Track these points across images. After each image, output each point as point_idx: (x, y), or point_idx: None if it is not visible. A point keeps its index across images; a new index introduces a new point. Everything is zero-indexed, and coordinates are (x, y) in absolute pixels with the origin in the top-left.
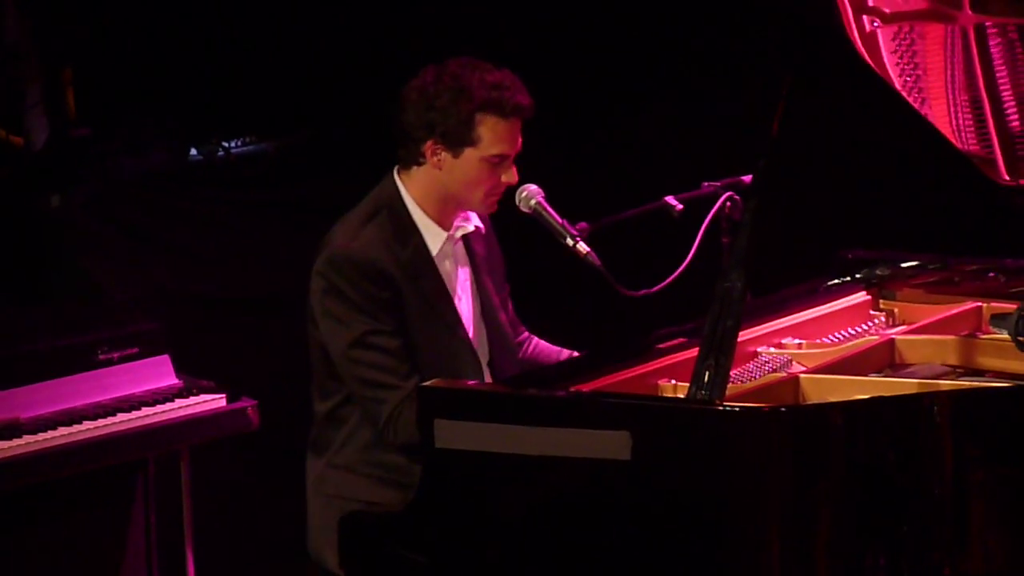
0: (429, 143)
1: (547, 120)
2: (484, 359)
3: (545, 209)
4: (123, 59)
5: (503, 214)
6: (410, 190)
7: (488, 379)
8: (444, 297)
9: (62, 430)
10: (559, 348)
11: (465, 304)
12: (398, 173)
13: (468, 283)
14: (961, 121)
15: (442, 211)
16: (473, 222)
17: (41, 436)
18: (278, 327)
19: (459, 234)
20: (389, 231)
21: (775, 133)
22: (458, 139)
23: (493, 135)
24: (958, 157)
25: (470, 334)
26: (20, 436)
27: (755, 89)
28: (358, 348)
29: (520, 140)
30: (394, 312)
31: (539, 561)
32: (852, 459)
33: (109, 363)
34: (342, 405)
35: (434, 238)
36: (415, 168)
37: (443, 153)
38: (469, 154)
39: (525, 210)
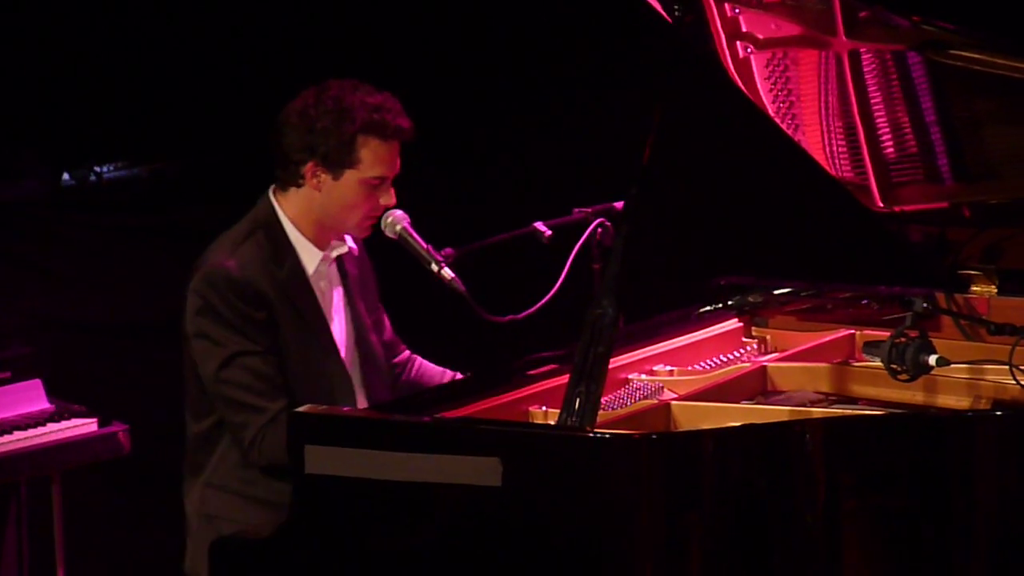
0: (310, 164)
1: (416, 144)
2: (357, 381)
3: (410, 235)
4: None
5: (374, 236)
6: (286, 210)
7: (362, 401)
8: (320, 318)
9: None
10: (442, 369)
11: (338, 325)
12: (274, 193)
13: (342, 304)
14: (835, 148)
15: (318, 232)
16: (347, 243)
17: None
18: (151, 352)
19: (334, 254)
20: (266, 250)
21: (646, 159)
22: (339, 161)
23: (374, 157)
24: (832, 184)
25: (343, 355)
26: None
27: (627, 114)
28: (227, 369)
29: (398, 163)
30: (268, 333)
31: None
32: (724, 487)
33: None
34: (216, 426)
35: (310, 258)
36: (292, 189)
37: (323, 175)
38: (349, 176)
39: (391, 235)
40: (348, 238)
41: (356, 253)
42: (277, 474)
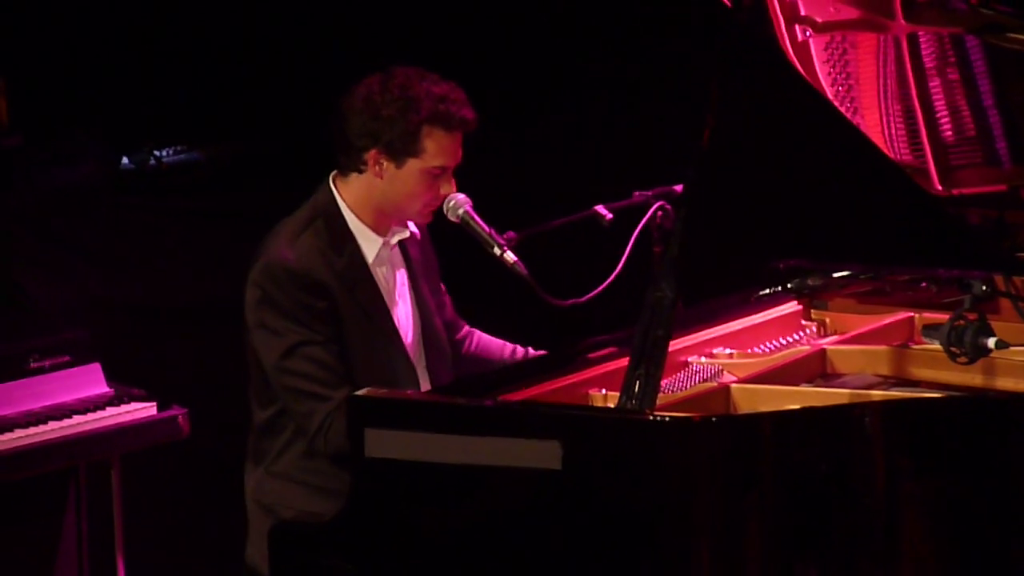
0: (373, 152)
1: (477, 128)
2: (421, 364)
3: (473, 218)
4: (54, 68)
5: (438, 220)
6: (346, 197)
7: (425, 385)
8: (380, 306)
9: None
10: (502, 342)
11: (403, 309)
12: (334, 180)
13: (406, 288)
14: (894, 131)
15: (378, 219)
16: (409, 228)
17: None
18: (210, 336)
19: (395, 240)
20: (325, 239)
21: (706, 143)
22: (402, 150)
23: (437, 147)
24: (891, 167)
25: (408, 338)
26: None
27: (687, 98)
28: (289, 359)
29: (460, 153)
30: (329, 322)
31: (469, 571)
32: (783, 470)
33: (40, 371)
34: (280, 414)
35: (370, 245)
36: (353, 175)
37: (386, 162)
38: (412, 165)
39: (453, 219)
40: (411, 223)
41: (419, 237)
42: (342, 463)
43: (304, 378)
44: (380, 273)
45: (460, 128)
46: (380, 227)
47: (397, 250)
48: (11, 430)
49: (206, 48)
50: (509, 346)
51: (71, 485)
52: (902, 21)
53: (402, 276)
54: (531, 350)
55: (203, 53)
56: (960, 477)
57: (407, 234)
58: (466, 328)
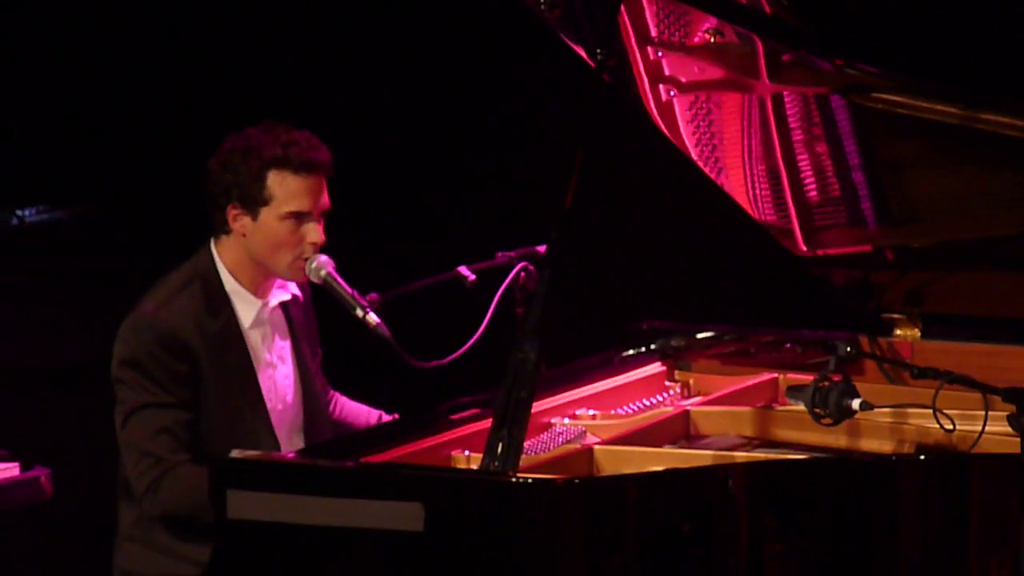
0: (230, 208)
1: (341, 188)
2: (299, 426)
3: (335, 280)
4: None
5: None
6: (225, 260)
7: (300, 445)
8: (248, 372)
9: None
10: (367, 408)
11: (282, 371)
12: (214, 244)
13: (287, 350)
14: (758, 191)
15: (255, 279)
16: (291, 290)
17: None
18: (73, 397)
19: (275, 302)
20: (200, 302)
21: (569, 204)
22: (252, 199)
23: (285, 191)
24: (755, 227)
25: (287, 401)
26: None
27: (550, 158)
28: (134, 416)
29: (324, 199)
30: (188, 385)
31: None
32: (646, 531)
33: None
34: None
35: (247, 307)
36: (224, 237)
37: (243, 217)
38: (265, 214)
39: (316, 280)
40: (292, 285)
41: (302, 299)
42: (174, 524)
43: (145, 437)
44: (255, 336)
45: (305, 170)
46: (259, 289)
47: (279, 312)
48: None
49: (67, 106)
50: (375, 412)
51: None
52: (767, 81)
53: (282, 339)
54: (396, 416)
55: (65, 111)
56: (824, 536)
57: (288, 296)
58: (331, 392)
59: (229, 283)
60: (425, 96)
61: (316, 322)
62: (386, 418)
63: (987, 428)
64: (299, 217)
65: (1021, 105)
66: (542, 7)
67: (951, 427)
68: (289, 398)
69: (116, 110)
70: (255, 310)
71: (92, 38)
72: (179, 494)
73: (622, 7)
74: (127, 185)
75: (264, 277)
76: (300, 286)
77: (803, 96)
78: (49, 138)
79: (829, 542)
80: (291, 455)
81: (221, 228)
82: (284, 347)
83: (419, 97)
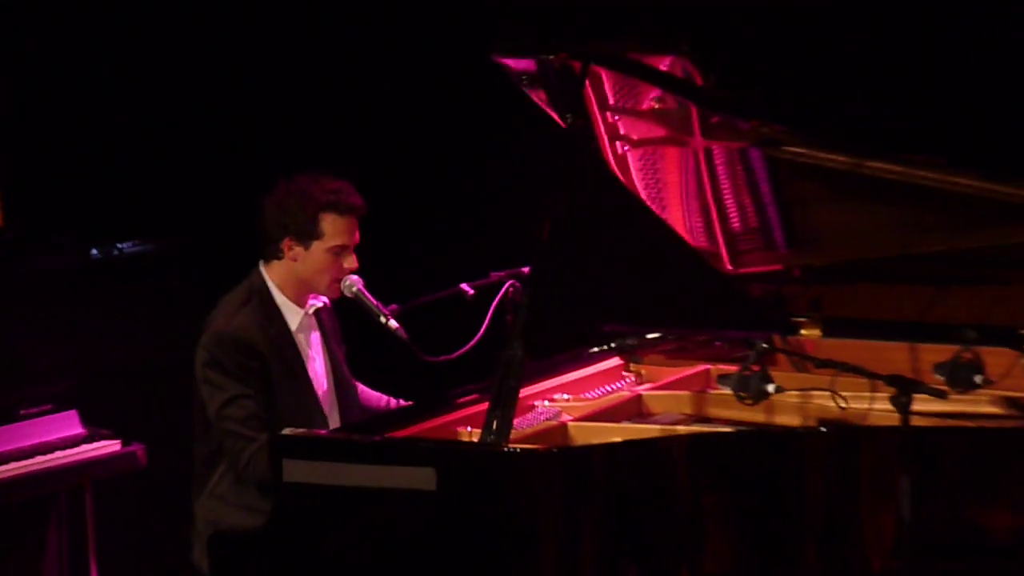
0: (286, 240)
1: (369, 224)
2: (335, 405)
3: (364, 295)
4: (40, 181)
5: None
6: (273, 279)
7: (336, 420)
8: (300, 365)
9: None
10: (379, 394)
11: (319, 363)
12: (263, 266)
13: (320, 347)
14: (693, 223)
15: (298, 294)
16: (321, 300)
17: None
18: (163, 388)
19: (312, 310)
20: (260, 314)
21: (546, 234)
22: (307, 234)
23: (334, 229)
24: (691, 251)
25: (324, 387)
26: None
27: (534, 198)
28: (227, 407)
29: (358, 234)
30: (260, 379)
31: (362, 568)
32: (610, 487)
33: (28, 417)
34: (217, 450)
35: (293, 316)
36: (275, 262)
37: (296, 247)
38: (316, 246)
39: (348, 295)
40: (321, 297)
41: (328, 306)
42: (264, 489)
43: (237, 422)
44: (301, 338)
45: (351, 212)
46: (300, 301)
47: (313, 318)
48: (6, 463)
49: (160, 161)
50: (385, 397)
51: (53, 508)
52: (699, 138)
53: (317, 338)
54: (402, 401)
55: (158, 165)
56: (748, 491)
57: (320, 304)
58: (353, 381)
59: (278, 297)
60: (434, 146)
61: (339, 323)
62: (395, 403)
63: (873, 406)
64: (342, 249)
65: (896, 155)
66: (523, 81)
67: (845, 406)
68: (325, 384)
69: (180, 160)
70: (299, 317)
71: (185, 108)
72: (267, 466)
73: (586, 81)
74: (189, 220)
75: (306, 292)
76: (328, 297)
77: (728, 149)
78: (142, 185)
79: (752, 496)
80: (332, 432)
81: (273, 255)
82: (318, 344)
83: (430, 145)
